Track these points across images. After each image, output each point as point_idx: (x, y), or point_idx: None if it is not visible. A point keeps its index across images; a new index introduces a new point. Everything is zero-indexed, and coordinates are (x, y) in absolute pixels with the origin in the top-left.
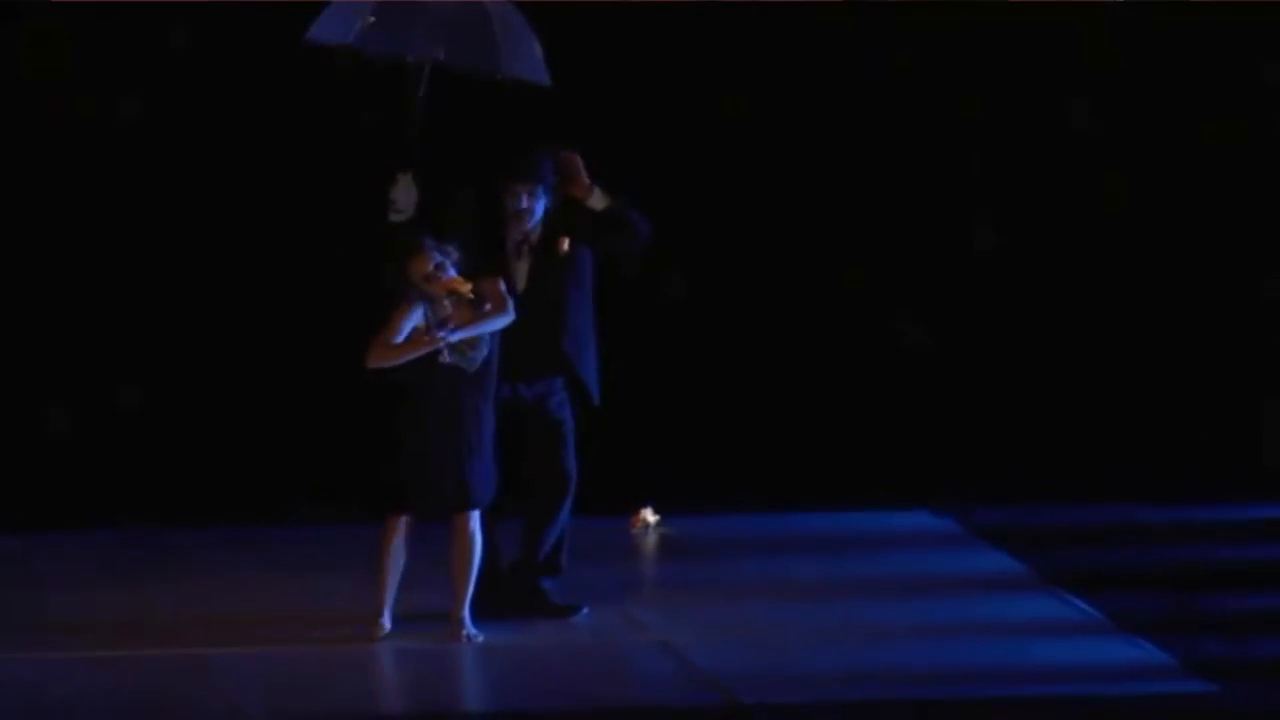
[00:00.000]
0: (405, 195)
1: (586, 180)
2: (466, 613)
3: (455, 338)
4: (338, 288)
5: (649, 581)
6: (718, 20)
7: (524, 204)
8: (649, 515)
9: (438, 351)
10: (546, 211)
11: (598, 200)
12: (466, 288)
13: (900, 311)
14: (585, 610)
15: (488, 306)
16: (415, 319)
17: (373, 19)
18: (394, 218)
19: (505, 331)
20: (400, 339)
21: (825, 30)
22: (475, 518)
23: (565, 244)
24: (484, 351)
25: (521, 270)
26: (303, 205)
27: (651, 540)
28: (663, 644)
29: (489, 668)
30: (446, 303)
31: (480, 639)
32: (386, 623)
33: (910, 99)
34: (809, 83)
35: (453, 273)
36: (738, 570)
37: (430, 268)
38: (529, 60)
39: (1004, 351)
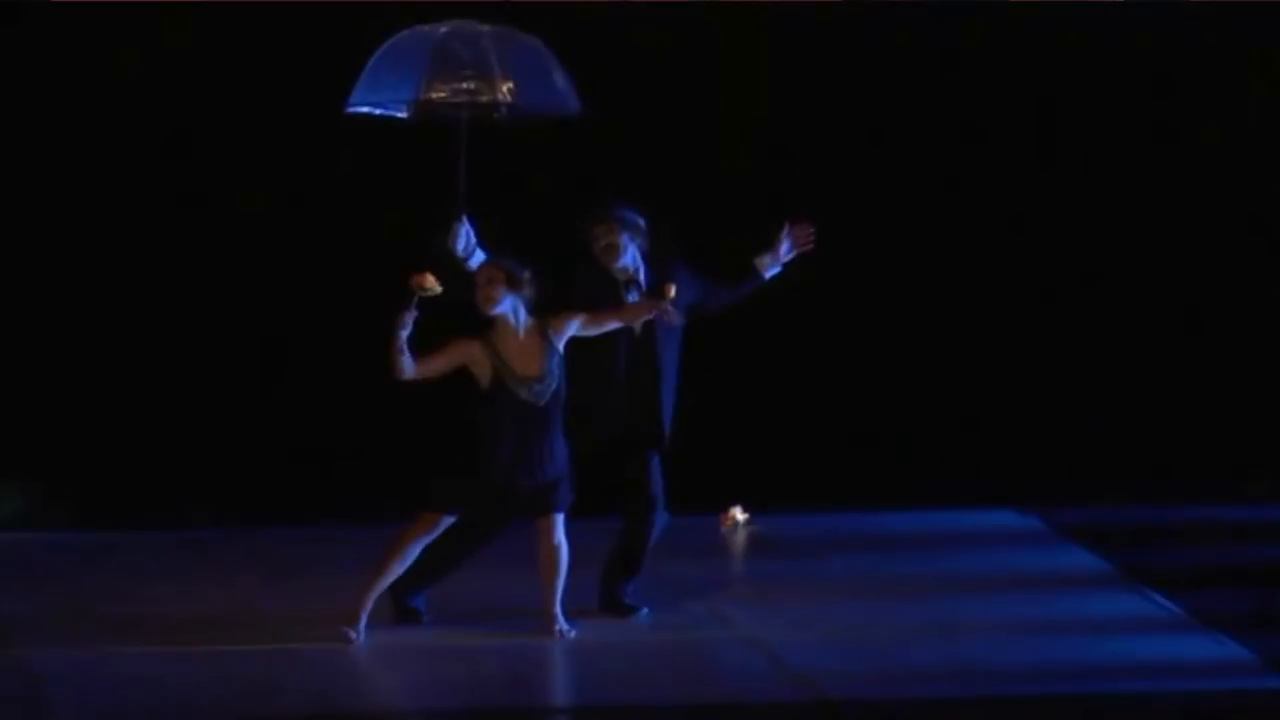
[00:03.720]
0: (464, 241)
1: (789, 255)
2: (558, 609)
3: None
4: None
5: (739, 578)
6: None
7: (604, 240)
8: (739, 513)
9: (508, 389)
10: (646, 258)
11: (772, 271)
12: (430, 283)
13: (986, 314)
14: (645, 611)
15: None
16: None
17: (423, 90)
18: (466, 266)
19: (612, 384)
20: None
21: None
22: (559, 520)
23: (672, 290)
24: (551, 385)
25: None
26: (316, 203)
27: (741, 538)
28: (752, 640)
29: (580, 663)
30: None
31: (572, 634)
32: (360, 632)
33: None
34: (888, 82)
35: (507, 302)
36: (826, 568)
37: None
38: (545, 93)
39: (1089, 355)
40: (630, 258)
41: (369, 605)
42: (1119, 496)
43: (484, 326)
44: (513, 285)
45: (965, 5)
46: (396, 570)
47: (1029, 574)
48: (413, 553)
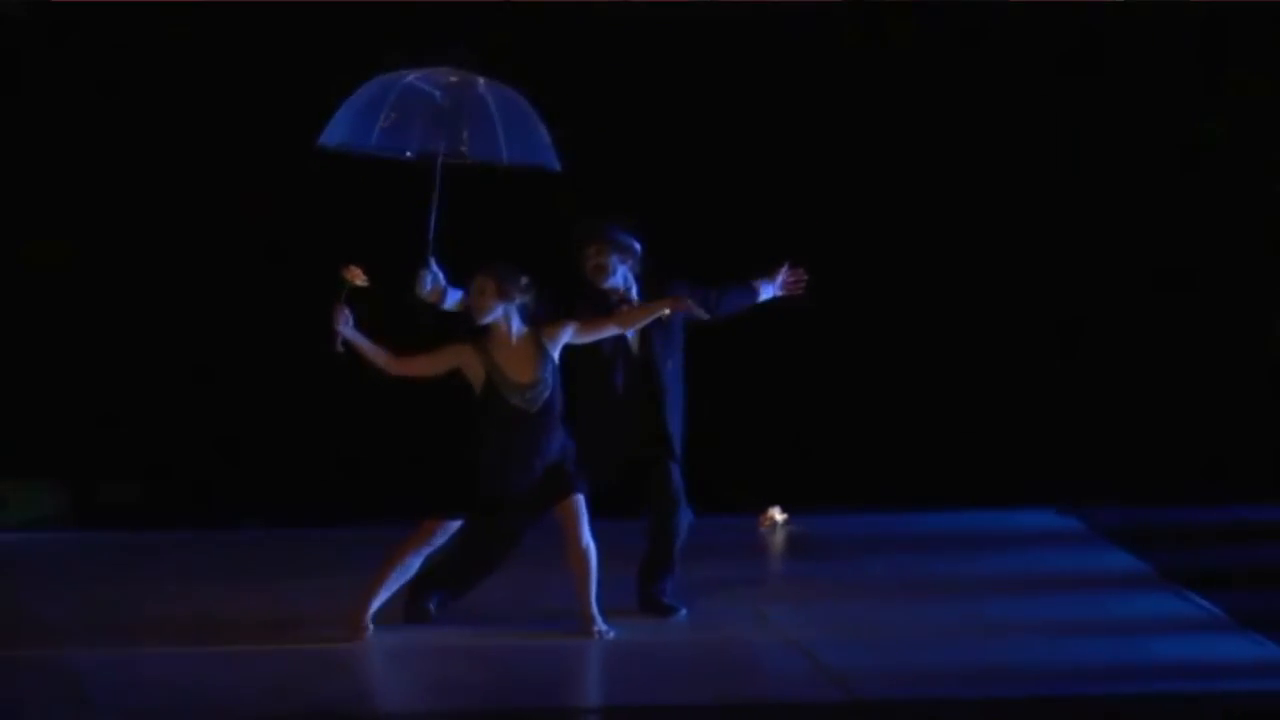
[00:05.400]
0: (429, 286)
1: (779, 292)
2: (595, 609)
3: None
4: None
5: (777, 579)
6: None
7: (593, 260)
8: (777, 514)
9: (500, 396)
10: (640, 279)
11: (766, 295)
12: (356, 276)
13: (1025, 314)
14: (684, 611)
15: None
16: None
17: (388, 122)
18: (440, 307)
19: (612, 405)
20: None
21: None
22: (583, 521)
23: (667, 310)
24: (544, 393)
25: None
26: (324, 206)
27: (780, 538)
28: (791, 641)
29: (619, 663)
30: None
31: (611, 635)
32: (369, 625)
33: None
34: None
35: (499, 310)
36: (865, 568)
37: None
38: (535, 147)
39: (1130, 354)
40: (620, 278)
41: (370, 613)
42: (1158, 497)
43: (479, 331)
44: (503, 294)
45: (965, 5)
46: (397, 580)
47: (1067, 574)
48: (413, 562)
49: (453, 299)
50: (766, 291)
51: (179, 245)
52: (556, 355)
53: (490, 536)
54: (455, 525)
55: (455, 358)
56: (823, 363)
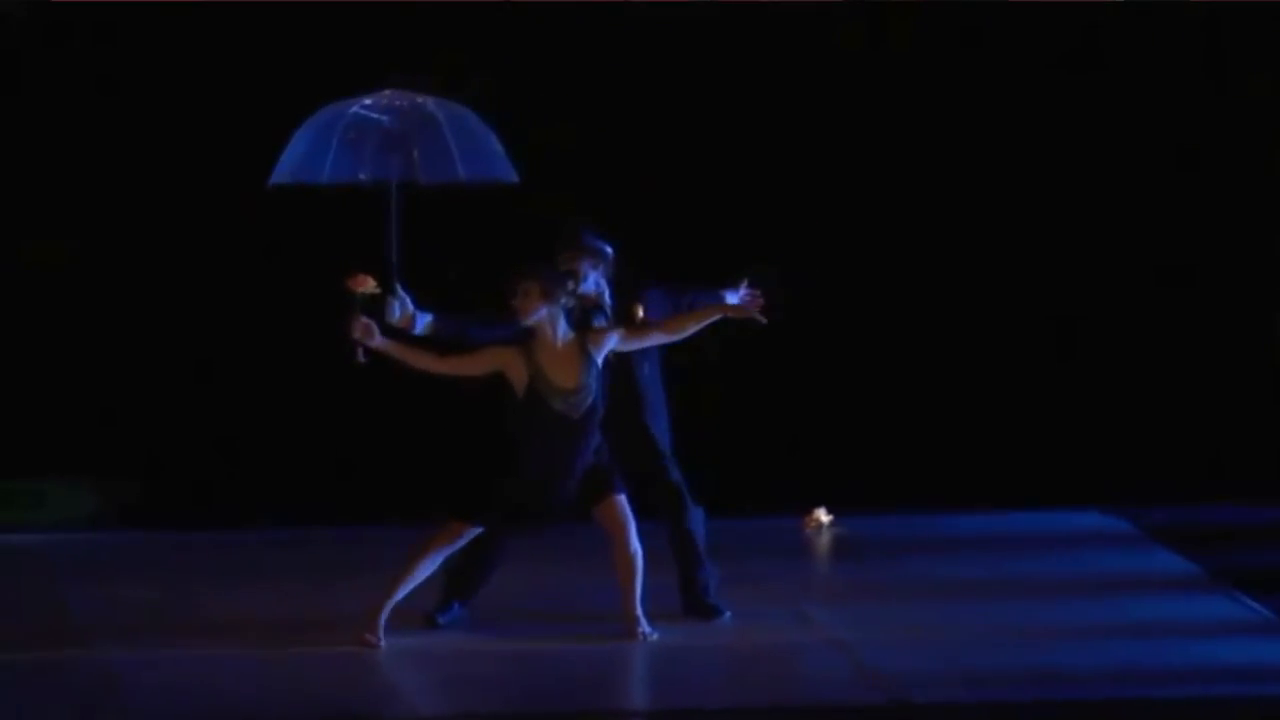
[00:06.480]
0: (398, 313)
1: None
2: (639, 610)
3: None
4: None
5: (822, 580)
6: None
7: (565, 266)
8: (823, 515)
9: (543, 400)
10: (614, 284)
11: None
12: (368, 284)
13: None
14: (728, 614)
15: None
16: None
17: (338, 154)
18: (411, 332)
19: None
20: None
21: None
22: (630, 524)
23: (640, 311)
24: (587, 399)
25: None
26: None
27: (825, 540)
28: (835, 642)
29: (663, 665)
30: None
31: (655, 637)
32: (380, 635)
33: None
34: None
35: (543, 312)
36: (910, 569)
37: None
38: (490, 160)
39: (1174, 352)
40: (591, 283)
41: (388, 612)
42: (1206, 497)
43: (525, 334)
44: (548, 296)
45: (965, 5)
46: (418, 578)
47: (1115, 576)
48: (435, 561)
49: (422, 323)
50: (732, 300)
51: (179, 245)
52: (601, 361)
53: (504, 537)
54: (479, 528)
55: (498, 359)
56: (870, 363)
